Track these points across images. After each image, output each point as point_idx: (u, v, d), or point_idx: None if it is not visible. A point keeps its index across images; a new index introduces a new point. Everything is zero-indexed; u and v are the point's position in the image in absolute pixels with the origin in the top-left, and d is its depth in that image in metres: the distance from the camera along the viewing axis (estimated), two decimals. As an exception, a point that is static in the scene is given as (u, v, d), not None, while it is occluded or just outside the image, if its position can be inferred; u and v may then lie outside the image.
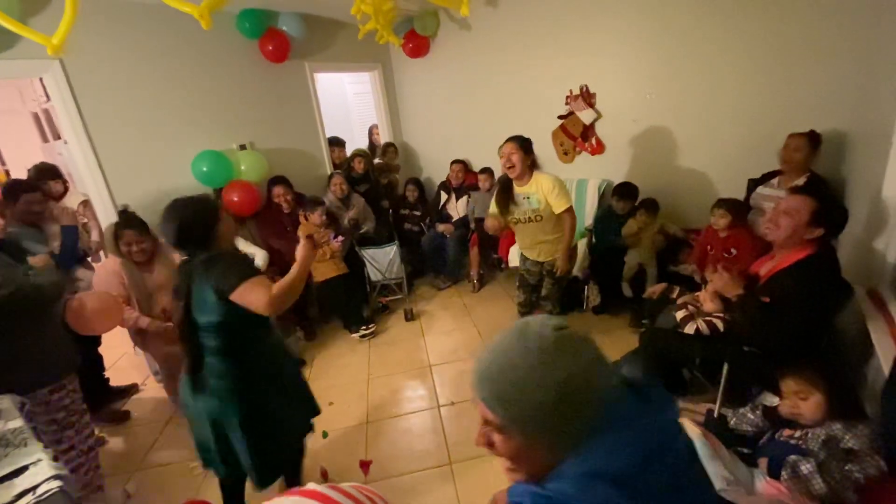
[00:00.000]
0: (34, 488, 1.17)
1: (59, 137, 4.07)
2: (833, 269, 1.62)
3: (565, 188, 2.41)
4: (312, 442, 2.28)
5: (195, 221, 1.46)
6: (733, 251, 2.43)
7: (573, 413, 0.63)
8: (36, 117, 4.75)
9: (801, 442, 1.34)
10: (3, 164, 4.95)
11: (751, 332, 1.73)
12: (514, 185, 2.46)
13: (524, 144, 2.37)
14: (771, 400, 1.57)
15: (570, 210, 2.40)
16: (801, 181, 2.29)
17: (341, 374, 2.91)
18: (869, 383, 1.59)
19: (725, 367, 1.86)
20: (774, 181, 2.48)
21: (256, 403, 1.54)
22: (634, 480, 0.60)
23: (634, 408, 0.67)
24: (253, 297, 1.36)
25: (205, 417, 1.53)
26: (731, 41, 2.80)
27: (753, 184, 2.66)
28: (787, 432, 1.40)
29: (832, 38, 2.45)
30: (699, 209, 3.02)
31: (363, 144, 5.17)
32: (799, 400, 1.35)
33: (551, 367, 0.63)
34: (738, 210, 2.50)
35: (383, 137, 4.99)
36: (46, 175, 2.69)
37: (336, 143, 4.40)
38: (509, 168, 2.38)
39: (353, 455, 2.19)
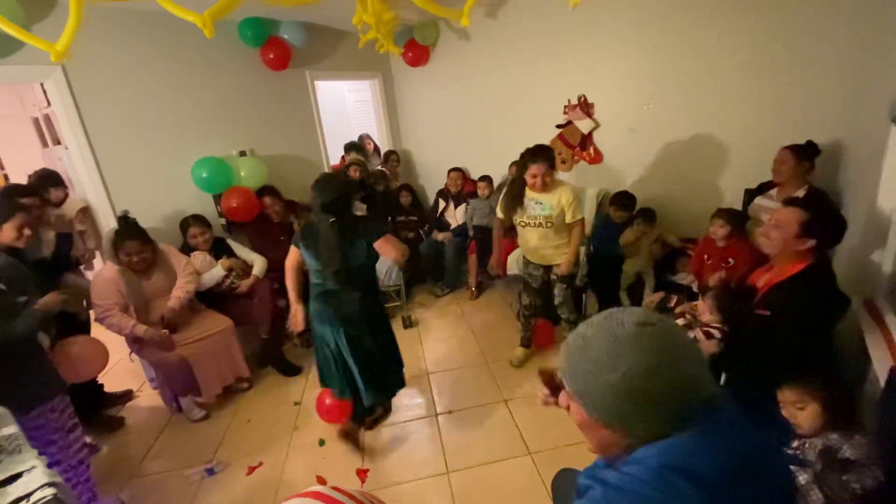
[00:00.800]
0: (28, 496, 1.16)
1: (59, 142, 4.08)
2: (829, 281, 1.63)
3: (580, 199, 2.47)
4: (311, 447, 2.28)
5: (347, 192, 1.97)
6: (731, 261, 2.44)
7: (643, 403, 0.64)
8: (36, 122, 4.75)
9: (798, 452, 1.34)
10: (3, 168, 4.96)
11: (748, 342, 1.74)
12: (527, 189, 2.45)
13: (552, 159, 2.36)
14: (768, 410, 1.57)
15: (581, 220, 2.47)
16: (799, 193, 2.30)
17: (338, 382, 2.88)
18: (865, 393, 1.59)
19: (723, 377, 1.86)
20: (773, 192, 2.49)
21: (381, 329, 2.19)
22: (717, 488, 0.59)
23: (731, 420, 0.67)
24: (388, 247, 1.98)
25: (352, 339, 2.03)
26: (730, 52, 2.83)
27: (750, 194, 2.68)
28: (784, 442, 1.40)
29: (830, 51, 2.48)
30: (696, 219, 3.03)
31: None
32: (796, 410, 1.35)
33: (623, 356, 0.64)
34: (737, 220, 2.51)
35: (382, 145, 5.02)
36: (48, 181, 2.68)
37: (354, 147, 4.43)
38: (541, 185, 2.35)
39: (349, 463, 2.17)
